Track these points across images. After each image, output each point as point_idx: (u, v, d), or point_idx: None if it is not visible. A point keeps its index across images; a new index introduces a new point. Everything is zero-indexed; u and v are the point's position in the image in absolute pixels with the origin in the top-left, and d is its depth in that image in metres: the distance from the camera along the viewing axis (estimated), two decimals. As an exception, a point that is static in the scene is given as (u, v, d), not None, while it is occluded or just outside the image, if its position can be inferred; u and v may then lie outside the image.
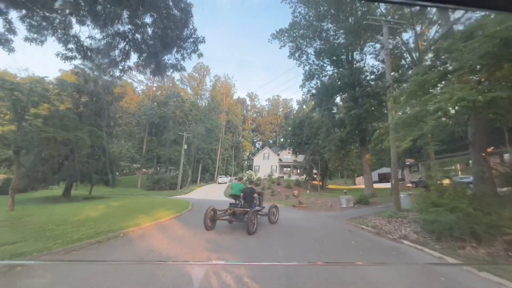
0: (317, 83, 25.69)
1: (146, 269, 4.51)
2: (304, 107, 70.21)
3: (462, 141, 39.23)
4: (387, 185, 38.54)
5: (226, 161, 65.67)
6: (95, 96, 24.26)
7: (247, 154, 73.28)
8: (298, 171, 46.75)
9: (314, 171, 34.74)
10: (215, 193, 36.96)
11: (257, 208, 9.36)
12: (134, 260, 5.34)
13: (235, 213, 8.85)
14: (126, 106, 42.00)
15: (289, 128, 39.48)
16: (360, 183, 49.62)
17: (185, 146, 37.98)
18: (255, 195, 9.40)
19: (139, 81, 47.19)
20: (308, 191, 33.51)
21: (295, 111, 72.33)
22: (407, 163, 39.36)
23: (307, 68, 26.77)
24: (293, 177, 42.87)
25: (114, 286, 3.87)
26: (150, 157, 41.14)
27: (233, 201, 9.86)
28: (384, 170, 46.92)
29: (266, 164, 49.30)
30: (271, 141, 75.98)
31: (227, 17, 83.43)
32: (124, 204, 14.94)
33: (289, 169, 48.55)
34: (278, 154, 50.65)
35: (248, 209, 8.59)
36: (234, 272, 4.33)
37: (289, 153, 39.46)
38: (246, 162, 69.12)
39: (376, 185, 41.28)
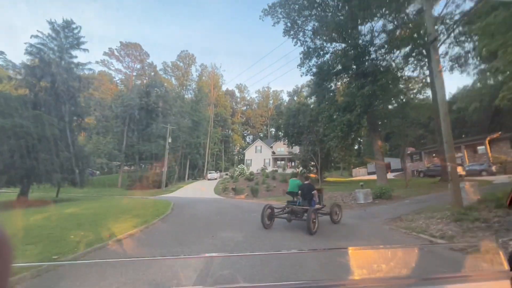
0: (317, 61, 22.46)
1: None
2: (295, 98, 67.18)
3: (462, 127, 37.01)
4: (388, 176, 36.23)
5: (216, 156, 61.94)
6: (57, 81, 20.03)
7: (238, 148, 69.79)
8: (293, 163, 43.76)
9: (312, 163, 31.73)
10: (204, 190, 33.35)
11: (317, 206, 8.53)
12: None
13: (293, 211, 8.28)
14: (102, 96, 37.53)
15: (284, 117, 36.16)
16: (357, 175, 47.21)
17: (170, 140, 34.05)
18: (314, 191, 8.72)
19: (116, 70, 42.54)
20: (306, 185, 30.55)
21: (286, 103, 69.16)
22: (408, 152, 37.06)
23: (305, 46, 23.50)
24: (288, 171, 39.79)
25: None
26: (131, 153, 36.91)
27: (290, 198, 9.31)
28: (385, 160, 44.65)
29: (258, 157, 46.01)
30: (261, 135, 72.69)
31: (214, 3, 78.73)
32: (79, 211, 11.20)
33: (283, 162, 45.46)
34: (271, 147, 47.43)
35: (307, 207, 8.07)
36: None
37: (285, 144, 36.27)
38: (237, 157, 65.66)
39: (373, 177, 38.87)
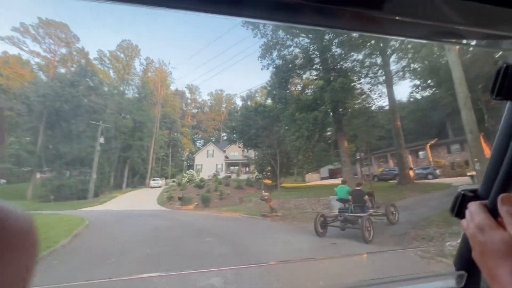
0: (279, 54, 20.27)
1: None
2: (249, 103, 65.19)
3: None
4: (338, 181, 36.24)
5: (162, 161, 55.40)
6: None
7: (187, 153, 64.16)
8: (248, 169, 40.96)
9: (269, 167, 29.37)
10: (144, 200, 27.88)
11: (371, 211, 8.13)
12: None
13: (347, 219, 7.89)
14: (8, 83, 29.13)
15: (240, 118, 33.24)
16: (310, 180, 46.88)
17: (102, 140, 27.91)
18: (366, 196, 8.47)
19: (31, 51, 33.82)
20: (263, 192, 27.93)
21: (239, 107, 66.72)
22: (358, 157, 37.84)
23: (266, 38, 21.16)
24: (243, 176, 36.78)
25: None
26: (49, 156, 29.25)
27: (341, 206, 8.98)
28: (334, 165, 45.15)
29: (210, 162, 41.97)
30: (213, 139, 68.57)
31: None
32: None
33: (237, 167, 42.32)
34: (224, 151, 43.93)
35: (361, 214, 7.72)
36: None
37: (240, 147, 33.30)
38: (186, 162, 60.00)
39: (326, 181, 38.69)
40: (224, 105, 72.45)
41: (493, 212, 0.44)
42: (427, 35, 0.57)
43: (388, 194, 15.01)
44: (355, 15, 0.45)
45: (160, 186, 36.92)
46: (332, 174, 43.42)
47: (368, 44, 17.93)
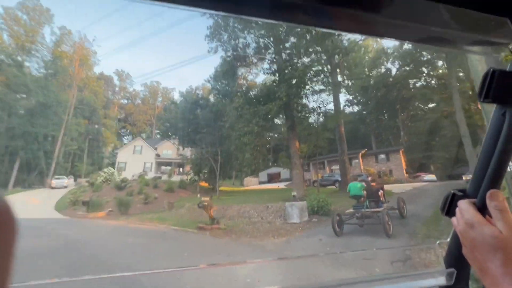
0: (229, 40, 17.62)
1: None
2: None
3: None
4: (278, 185, 35.39)
5: (74, 157, 45.24)
6: None
7: (110, 149, 54.58)
8: (182, 169, 36.43)
9: (207, 168, 26.00)
10: (37, 204, 20.84)
11: (385, 205, 8.25)
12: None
13: (365, 215, 7.89)
14: None
15: (178, 110, 28.94)
16: (249, 184, 45.09)
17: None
18: (380, 191, 8.72)
19: None
20: (198, 195, 24.40)
21: (178, 102, 61.05)
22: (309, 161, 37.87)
23: (214, 20, 18.23)
24: (175, 178, 32.22)
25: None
26: None
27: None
28: (274, 170, 44.57)
29: (137, 160, 35.79)
30: (144, 136, 60.61)
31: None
32: None
33: (169, 167, 37.25)
34: (156, 148, 38.29)
35: (378, 209, 7.85)
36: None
37: (174, 144, 29.00)
38: (108, 160, 50.72)
39: (266, 186, 37.59)
40: (160, 99, 65.26)
41: (481, 209, 0.46)
42: (421, 39, 0.59)
43: (339, 200, 13.83)
44: (352, 16, 0.46)
45: (65, 187, 29.19)
46: (271, 179, 42.64)
47: (318, 48, 17.09)
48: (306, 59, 17.39)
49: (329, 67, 19.38)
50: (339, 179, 24.25)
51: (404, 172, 30.52)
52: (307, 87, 15.28)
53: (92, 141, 48.98)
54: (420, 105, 42.31)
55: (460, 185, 18.24)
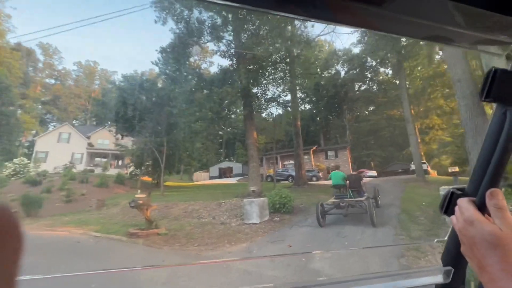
0: (181, 15, 15.12)
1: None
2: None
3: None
4: (230, 180, 33.84)
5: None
6: None
7: (30, 136, 45.14)
8: (120, 162, 31.82)
9: (150, 162, 22.78)
10: None
11: (366, 194, 8.18)
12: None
13: (350, 204, 7.84)
14: None
15: (116, 93, 24.66)
16: (199, 179, 42.29)
17: None
18: (363, 181, 8.79)
19: None
20: (139, 191, 21.18)
21: (118, 84, 53.91)
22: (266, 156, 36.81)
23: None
24: (112, 171, 27.78)
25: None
26: None
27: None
28: (225, 164, 42.73)
29: (63, 150, 29.88)
30: (76, 123, 52.06)
31: None
32: None
33: (105, 159, 32.21)
34: (89, 137, 32.68)
35: (361, 198, 7.81)
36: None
37: (110, 131, 24.87)
38: (27, 150, 41.67)
39: (217, 181, 35.65)
40: (98, 82, 56.88)
41: (481, 208, 0.46)
42: (427, 36, 0.60)
43: (297, 195, 12.92)
44: (356, 10, 0.46)
45: None
46: (223, 174, 40.77)
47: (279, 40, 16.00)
48: (266, 46, 16.14)
49: (287, 60, 18.54)
50: (293, 173, 23.89)
51: (350, 168, 32.15)
52: (267, 74, 14.02)
53: (3, 126, 39.59)
54: (363, 107, 45.51)
55: (395, 180, 19.41)
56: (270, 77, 15.07)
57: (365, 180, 10.59)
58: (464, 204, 0.49)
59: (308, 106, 46.26)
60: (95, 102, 52.14)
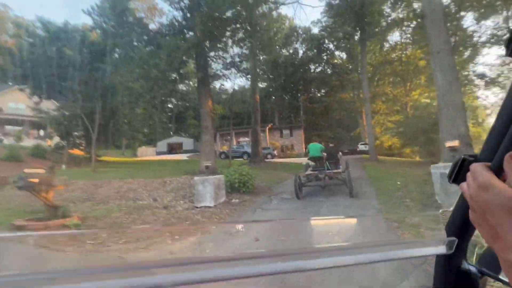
0: None
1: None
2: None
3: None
4: (179, 156, 31.16)
5: None
6: None
7: None
8: (42, 132, 26.05)
9: (80, 132, 18.74)
10: None
11: (341, 167, 8.27)
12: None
13: (329, 176, 7.81)
14: None
15: (31, 44, 19.07)
16: (144, 155, 38.05)
17: None
18: (340, 154, 9.07)
19: None
20: (64, 167, 17.40)
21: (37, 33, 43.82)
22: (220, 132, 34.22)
23: None
24: (28, 142, 22.42)
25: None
26: None
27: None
28: (175, 139, 39.33)
29: (-45, 113, 22.87)
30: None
31: None
32: None
33: (20, 128, 26.00)
34: (-5, 98, 25.75)
35: (339, 170, 7.96)
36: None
37: (26, 92, 19.80)
38: None
39: (165, 157, 32.59)
40: (11, 32, 45.13)
41: (497, 173, 0.44)
42: None
43: (256, 173, 11.71)
44: None
45: None
46: (172, 149, 37.48)
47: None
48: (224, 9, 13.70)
49: (248, 28, 16.47)
50: (248, 150, 22.74)
51: (304, 147, 32.60)
52: (227, 31, 11.85)
53: None
54: (317, 88, 46.25)
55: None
56: (230, 37, 12.93)
57: None
58: (478, 169, 0.44)
59: (264, 84, 44.96)
60: (10, 55, 41.43)
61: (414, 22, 26.20)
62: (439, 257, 0.70)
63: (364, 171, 11.15)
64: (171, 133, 42.07)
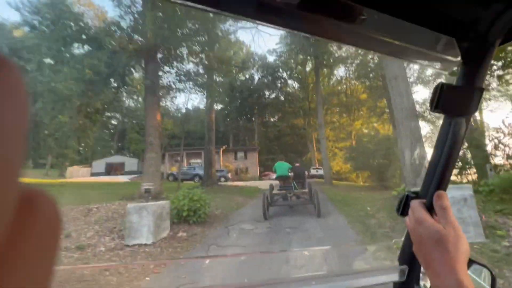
0: None
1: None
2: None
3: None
4: (120, 179, 27.31)
5: None
6: None
7: None
8: None
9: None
10: None
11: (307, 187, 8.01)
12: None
13: (297, 195, 7.90)
14: None
15: None
16: (74, 175, 32.30)
17: None
18: (306, 173, 8.90)
19: None
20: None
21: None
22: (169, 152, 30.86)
23: None
24: None
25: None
26: None
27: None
28: (116, 158, 34.82)
29: None
30: None
31: None
32: None
33: None
34: None
35: (305, 190, 7.74)
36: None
37: None
38: None
39: (102, 178, 28.29)
40: None
41: (430, 209, 0.51)
42: (387, 52, 0.65)
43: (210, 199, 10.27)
44: (329, 24, 0.50)
45: None
46: (111, 170, 32.82)
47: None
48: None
49: (206, 48, 15.89)
50: (201, 173, 20.98)
51: (258, 170, 32.01)
52: (184, 45, 10.83)
53: None
54: (271, 114, 47.61)
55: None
56: (189, 49, 11.89)
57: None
58: (415, 205, 0.52)
59: (220, 106, 44.41)
60: None
61: (357, 60, 29.38)
62: (394, 285, 0.70)
63: (325, 194, 10.76)
64: (112, 152, 37.39)
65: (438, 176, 0.55)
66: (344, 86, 35.60)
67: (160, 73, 10.38)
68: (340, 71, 39.59)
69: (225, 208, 7.81)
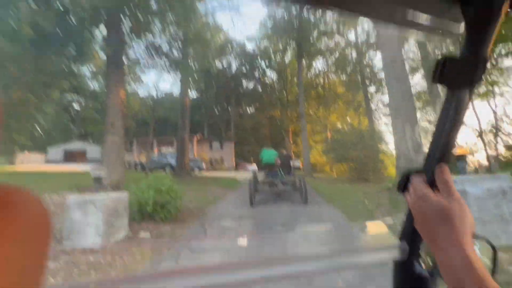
0: None
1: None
2: None
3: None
4: (79, 167, 24.60)
5: None
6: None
7: None
8: None
9: None
10: None
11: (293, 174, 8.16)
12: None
13: (284, 183, 7.68)
14: None
15: None
16: (26, 162, 28.59)
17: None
18: (292, 161, 8.87)
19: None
20: None
21: None
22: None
23: None
24: None
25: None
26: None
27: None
28: (75, 145, 31.48)
29: None
30: None
31: None
32: None
33: None
34: None
35: (292, 178, 7.83)
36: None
37: None
38: None
39: (58, 166, 25.33)
40: None
41: (431, 184, 0.51)
42: (392, 18, 0.62)
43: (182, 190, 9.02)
44: None
45: None
46: (70, 157, 29.62)
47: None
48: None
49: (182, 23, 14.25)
50: (172, 162, 19.43)
51: (233, 161, 30.99)
52: (156, 16, 9.30)
53: None
54: (248, 104, 46.49)
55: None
56: (164, 24, 10.31)
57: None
58: (416, 181, 0.51)
59: (195, 94, 42.24)
60: None
61: (337, 53, 29.27)
62: (395, 262, 0.70)
63: (309, 186, 10.20)
64: (73, 137, 33.89)
65: (440, 150, 0.54)
66: (322, 79, 35.57)
67: (125, 37, 8.75)
68: (319, 64, 39.48)
69: (201, 201, 6.72)
